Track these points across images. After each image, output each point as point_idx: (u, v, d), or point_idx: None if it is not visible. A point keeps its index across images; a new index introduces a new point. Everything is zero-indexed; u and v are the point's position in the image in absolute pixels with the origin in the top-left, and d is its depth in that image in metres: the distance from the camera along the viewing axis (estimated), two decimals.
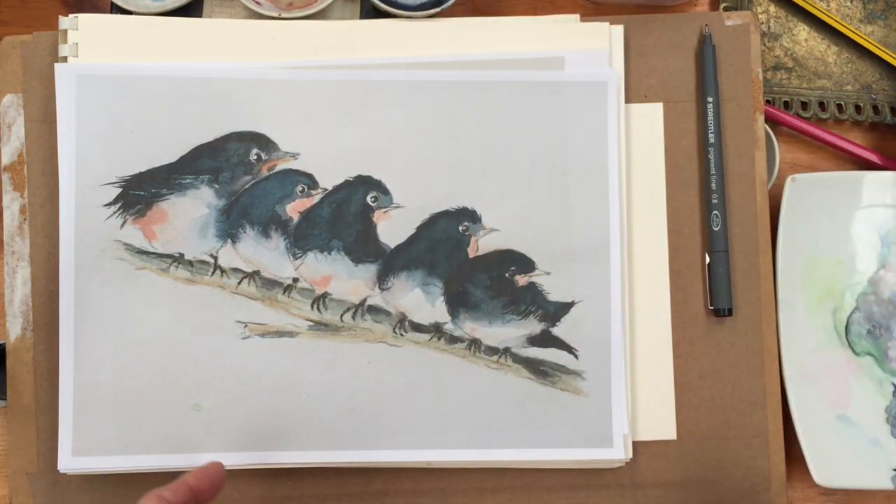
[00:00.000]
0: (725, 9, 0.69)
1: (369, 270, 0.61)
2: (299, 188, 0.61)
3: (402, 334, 0.61)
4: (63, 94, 0.60)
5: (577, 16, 0.63)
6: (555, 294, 0.61)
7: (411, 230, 0.61)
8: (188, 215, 0.60)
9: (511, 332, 0.61)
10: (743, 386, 0.62)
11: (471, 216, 0.61)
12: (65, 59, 0.61)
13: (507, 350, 0.61)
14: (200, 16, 0.65)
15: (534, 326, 0.61)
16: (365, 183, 0.61)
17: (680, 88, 0.63)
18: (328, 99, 0.61)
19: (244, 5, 0.64)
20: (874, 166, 0.68)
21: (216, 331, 0.60)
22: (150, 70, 0.61)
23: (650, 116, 0.63)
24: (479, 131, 0.61)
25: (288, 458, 0.60)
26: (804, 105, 0.69)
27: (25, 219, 0.61)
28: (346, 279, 0.61)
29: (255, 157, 0.61)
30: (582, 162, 0.61)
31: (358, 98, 0.61)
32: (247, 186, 0.61)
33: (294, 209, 0.61)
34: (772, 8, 0.70)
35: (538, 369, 0.61)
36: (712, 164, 0.62)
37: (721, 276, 0.62)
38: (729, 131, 0.63)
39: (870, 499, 0.65)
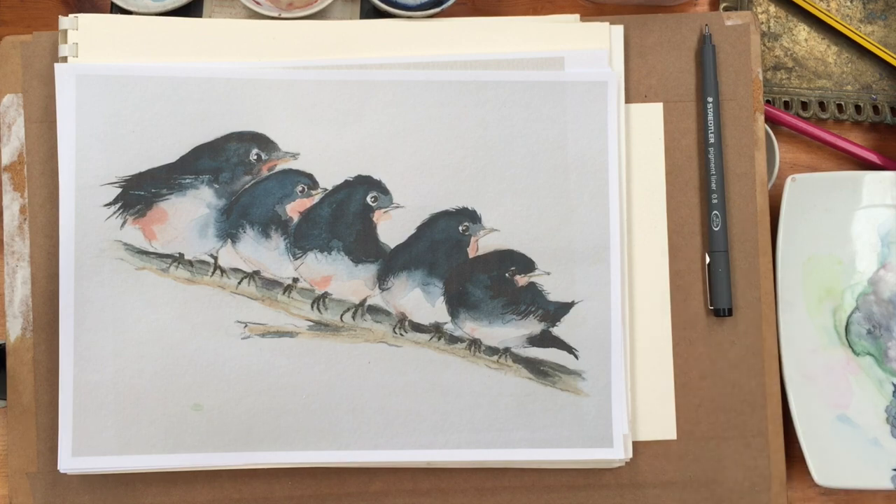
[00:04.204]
0: (725, 9, 0.69)
1: (369, 270, 0.61)
2: (299, 188, 0.61)
3: (402, 334, 0.61)
4: (63, 94, 0.60)
5: (577, 16, 0.63)
6: (555, 294, 0.61)
7: (411, 230, 0.61)
8: (188, 215, 0.60)
9: (511, 332, 0.61)
10: (743, 386, 0.62)
11: (471, 216, 0.61)
12: (65, 59, 0.61)
13: (507, 350, 0.61)
14: (200, 16, 0.65)
15: (534, 326, 0.61)
16: (365, 183, 0.61)
17: (680, 88, 0.63)
18: (328, 99, 0.61)
19: (244, 5, 0.64)
20: (874, 166, 0.68)
21: (216, 331, 0.60)
22: (150, 70, 0.61)
23: (650, 116, 0.63)
24: (479, 131, 0.61)
25: (288, 458, 0.60)
26: (804, 105, 0.69)
27: (25, 219, 0.61)
28: (346, 279, 0.61)
29: (255, 157, 0.61)
30: (582, 162, 0.61)
31: (358, 98, 0.61)
32: (247, 186, 0.61)
33: (294, 209, 0.61)
34: (772, 8, 0.70)
35: (538, 369, 0.61)
36: (712, 164, 0.62)
37: (721, 276, 0.62)
38: (729, 131, 0.63)
39: (870, 499, 0.65)
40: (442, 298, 0.61)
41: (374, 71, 0.61)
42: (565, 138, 0.62)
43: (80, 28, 0.61)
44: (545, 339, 0.61)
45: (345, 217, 0.61)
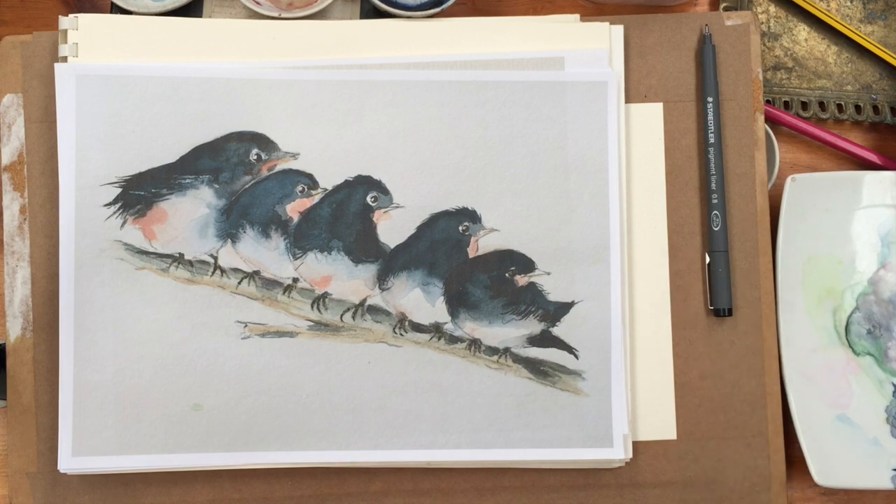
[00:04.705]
0: (725, 9, 0.69)
1: (369, 270, 0.61)
2: (299, 188, 0.61)
3: (402, 334, 0.61)
4: (63, 94, 0.60)
5: (577, 16, 0.63)
6: (555, 294, 0.61)
7: (411, 230, 0.61)
8: (188, 215, 0.60)
9: (511, 332, 0.61)
10: (743, 386, 0.62)
11: (471, 216, 0.61)
12: (65, 59, 0.61)
13: (507, 350, 0.61)
14: (200, 16, 0.66)
15: (534, 326, 0.61)
16: (365, 183, 0.61)
17: (680, 88, 0.63)
18: (328, 99, 0.61)
19: (244, 5, 0.64)
20: (874, 166, 0.68)
21: (216, 331, 0.60)
22: (150, 70, 0.61)
23: (650, 116, 0.63)
24: (479, 131, 0.61)
25: (288, 458, 0.60)
26: (804, 105, 0.69)
27: (25, 219, 0.61)
28: (346, 279, 0.61)
29: (255, 157, 0.61)
30: (582, 162, 0.61)
31: (358, 98, 0.61)
32: (247, 186, 0.61)
33: (294, 209, 0.61)
34: (772, 8, 0.70)
35: (538, 369, 0.61)
36: (712, 164, 0.62)
37: (721, 276, 0.62)
38: (729, 131, 0.63)
39: (870, 499, 0.65)
40: (442, 298, 0.61)
41: (374, 71, 0.61)
42: (565, 138, 0.62)
43: (80, 28, 0.61)
44: (545, 339, 0.61)
45: (345, 217, 0.61)
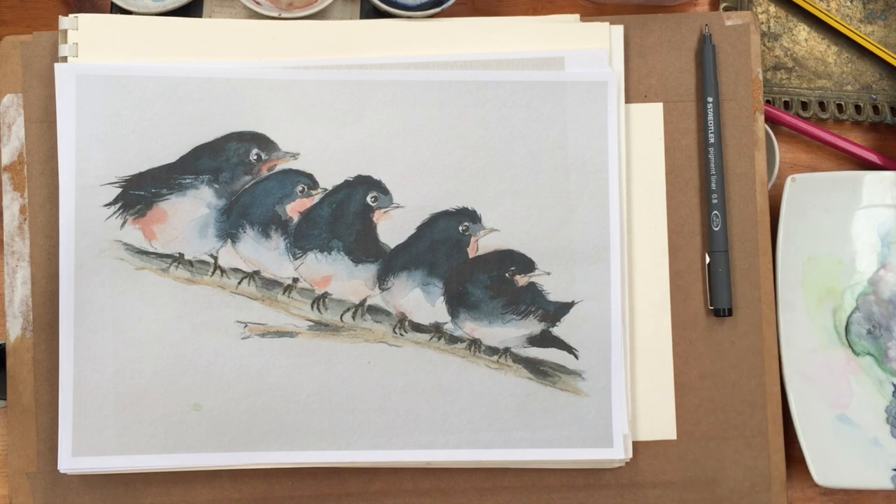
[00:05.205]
0: (725, 9, 0.69)
1: (369, 270, 0.61)
2: (299, 188, 0.61)
3: (402, 334, 0.61)
4: (63, 94, 0.60)
5: (577, 16, 0.63)
6: (555, 294, 0.61)
7: (411, 230, 0.61)
8: (188, 215, 0.60)
9: (511, 332, 0.61)
10: (743, 386, 0.62)
11: (471, 216, 0.61)
12: (65, 59, 0.61)
13: (507, 350, 0.61)
14: (200, 16, 0.66)
15: (534, 326, 0.61)
16: (365, 183, 0.61)
17: (680, 88, 0.63)
18: (328, 99, 0.61)
19: (244, 5, 0.64)
20: (874, 166, 0.68)
21: (216, 331, 0.60)
22: (150, 70, 0.61)
23: (650, 116, 0.63)
24: (479, 131, 0.61)
25: (288, 458, 0.60)
26: (804, 105, 0.69)
27: (25, 219, 0.61)
28: (346, 279, 0.61)
29: (255, 157, 0.61)
30: (582, 162, 0.61)
31: (358, 98, 0.61)
32: (247, 186, 0.61)
33: (294, 209, 0.61)
34: (772, 8, 0.70)
35: (538, 369, 0.61)
36: (712, 164, 0.62)
37: (721, 276, 0.62)
38: (729, 131, 0.63)
39: (870, 499, 0.65)
40: (442, 298, 0.61)
41: (374, 71, 0.61)
42: (565, 138, 0.62)
43: (80, 28, 0.61)
44: (545, 339, 0.61)
45: (345, 217, 0.61)
